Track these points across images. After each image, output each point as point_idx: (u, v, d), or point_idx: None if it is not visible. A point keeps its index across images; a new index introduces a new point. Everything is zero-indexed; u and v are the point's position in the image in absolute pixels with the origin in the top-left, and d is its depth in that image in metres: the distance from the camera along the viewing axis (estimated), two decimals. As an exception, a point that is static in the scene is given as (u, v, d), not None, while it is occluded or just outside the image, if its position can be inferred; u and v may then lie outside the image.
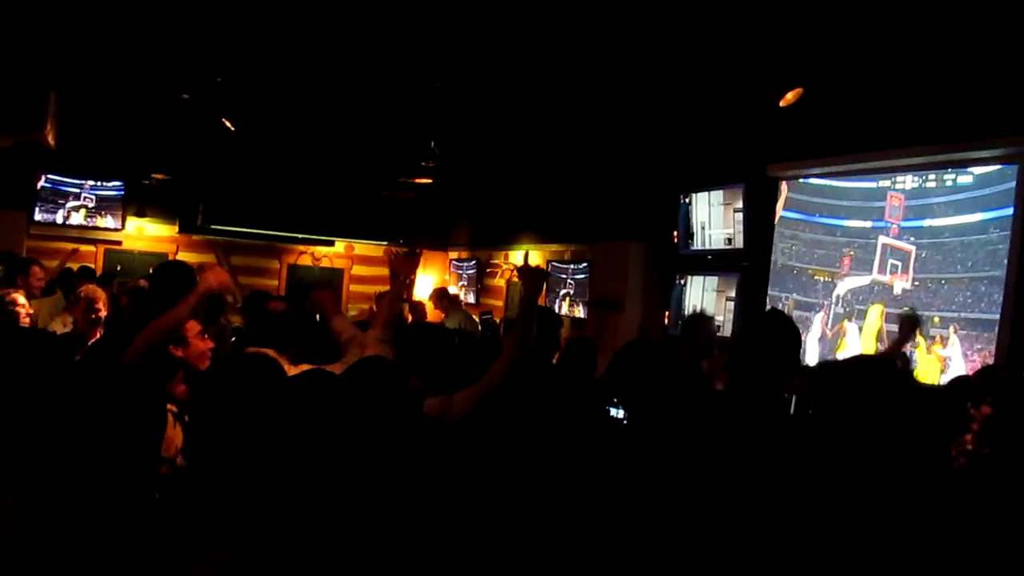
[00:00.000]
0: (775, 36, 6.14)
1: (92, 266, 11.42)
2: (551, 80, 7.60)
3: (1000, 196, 5.93)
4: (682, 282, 8.72)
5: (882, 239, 6.93)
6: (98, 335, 5.24)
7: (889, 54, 6.12)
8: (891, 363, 2.53)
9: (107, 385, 3.14)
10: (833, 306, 7.35)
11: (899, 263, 6.78)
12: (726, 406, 2.85)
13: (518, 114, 8.79)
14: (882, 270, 6.90)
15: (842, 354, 7.00)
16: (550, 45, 6.71)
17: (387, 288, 4.97)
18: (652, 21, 6.06)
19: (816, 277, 7.56)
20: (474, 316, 10.87)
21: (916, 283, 6.58)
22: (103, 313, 5.66)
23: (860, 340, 7.00)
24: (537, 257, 11.51)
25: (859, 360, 2.92)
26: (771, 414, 2.75)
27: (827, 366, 2.62)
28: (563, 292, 10.59)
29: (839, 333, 7.27)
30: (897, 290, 6.73)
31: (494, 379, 3.59)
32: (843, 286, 7.28)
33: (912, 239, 6.64)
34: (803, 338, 7.29)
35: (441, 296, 10.68)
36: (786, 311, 7.65)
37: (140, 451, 2.60)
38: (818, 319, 7.45)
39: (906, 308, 5.94)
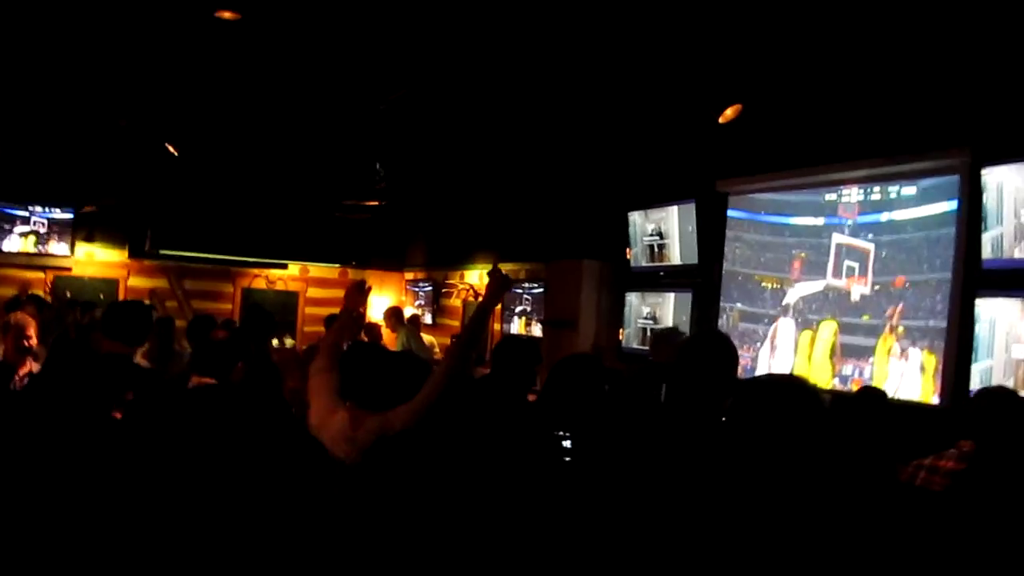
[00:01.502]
0: (721, 53, 6.14)
1: (41, 293, 11.24)
2: (502, 101, 7.57)
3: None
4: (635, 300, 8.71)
5: (836, 237, 6.63)
6: (28, 364, 5.08)
7: (833, 69, 6.14)
8: (802, 381, 2.48)
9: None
10: (783, 317, 7.11)
11: (856, 264, 6.46)
12: (658, 432, 2.78)
13: (470, 135, 8.76)
14: (837, 273, 6.60)
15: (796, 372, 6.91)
16: (500, 65, 6.68)
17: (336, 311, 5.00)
18: (599, 40, 6.05)
19: (764, 284, 7.33)
20: (426, 336, 10.85)
21: (876, 287, 6.32)
22: (33, 342, 5.52)
23: (812, 357, 6.83)
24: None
25: (767, 380, 2.88)
26: (697, 438, 2.69)
27: (743, 385, 2.56)
28: (519, 310, 10.56)
29: (792, 346, 7.04)
30: (855, 296, 6.46)
31: (431, 391, 3.51)
32: (794, 293, 6.99)
33: (871, 236, 6.37)
34: (752, 353, 7.31)
35: (391, 315, 10.71)
36: (731, 324, 7.64)
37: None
38: (769, 332, 7.26)
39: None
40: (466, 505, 2.38)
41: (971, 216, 5.68)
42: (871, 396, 4.86)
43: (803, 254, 6.96)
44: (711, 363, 2.86)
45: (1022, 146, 5.32)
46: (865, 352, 6.39)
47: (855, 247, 6.49)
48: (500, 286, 4.06)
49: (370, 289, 4.65)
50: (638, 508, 2.39)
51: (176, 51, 6.61)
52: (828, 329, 6.71)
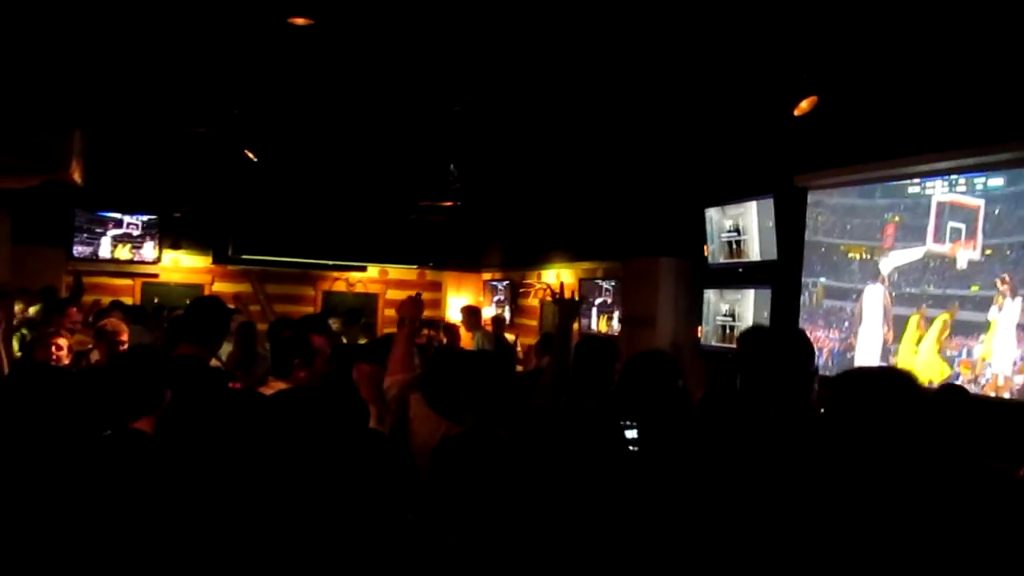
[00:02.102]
0: (798, 45, 6.03)
1: (128, 300, 11.57)
2: (576, 99, 7.54)
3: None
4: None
5: (938, 195, 6.05)
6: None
7: (914, 57, 5.98)
8: (904, 375, 2.40)
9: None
10: (871, 283, 6.60)
11: (962, 225, 5.78)
12: (725, 425, 2.73)
13: (545, 134, 8.74)
14: (939, 237, 5.97)
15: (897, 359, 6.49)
16: (575, 63, 6.65)
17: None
18: (675, 35, 5.98)
19: (851, 255, 6.80)
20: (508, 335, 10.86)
21: (988, 251, 5.68)
22: (125, 347, 5.68)
23: (919, 349, 6.28)
24: (569, 275, 11.46)
25: (865, 374, 2.80)
26: (764, 432, 2.64)
27: (843, 378, 2.49)
28: (599, 302, 10.53)
29: (881, 319, 6.47)
30: (962, 263, 5.78)
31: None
32: (887, 263, 6.38)
33: (980, 189, 5.76)
34: (840, 335, 7.10)
35: (468, 315, 10.83)
36: (814, 301, 7.34)
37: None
38: (860, 309, 6.79)
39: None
40: (531, 494, 2.38)
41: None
42: (953, 394, 4.70)
43: (897, 217, 6.37)
44: (779, 356, 2.80)
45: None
46: (974, 329, 5.79)
47: (960, 204, 5.85)
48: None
49: (421, 299, 4.74)
50: (703, 500, 2.36)
51: (253, 58, 6.72)
52: (939, 322, 6.13)
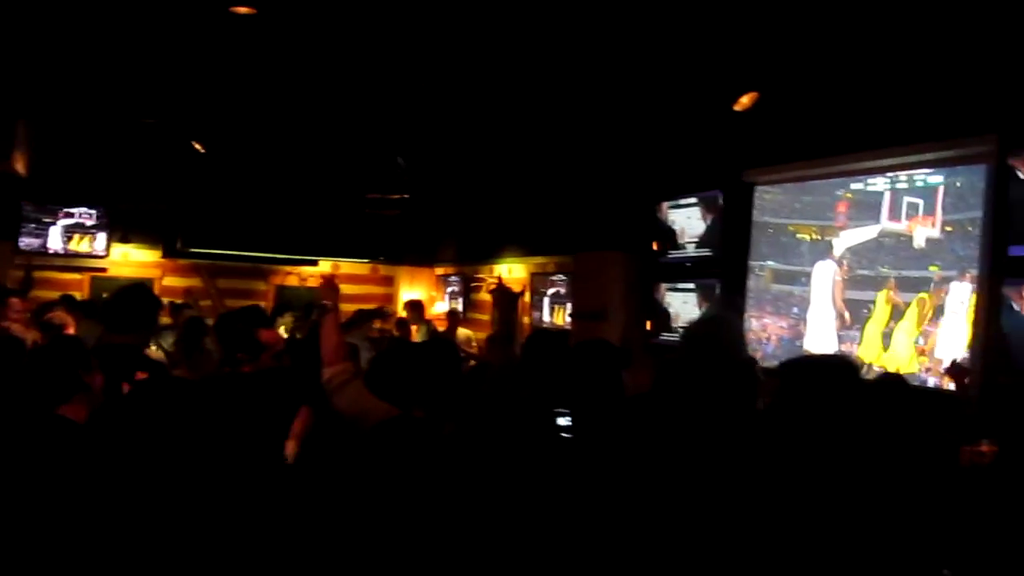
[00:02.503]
0: (746, 43, 6.09)
1: (77, 295, 11.40)
2: (528, 95, 7.55)
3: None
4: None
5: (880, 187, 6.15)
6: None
7: (860, 56, 6.06)
8: (850, 363, 2.44)
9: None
10: (828, 272, 6.60)
11: (920, 200, 5.81)
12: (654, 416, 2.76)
13: (498, 130, 8.75)
14: (894, 215, 6.00)
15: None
16: (524, 59, 6.66)
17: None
18: (624, 33, 6.01)
19: (801, 236, 6.84)
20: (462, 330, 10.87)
21: (948, 228, 5.70)
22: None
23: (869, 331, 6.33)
24: (521, 270, 11.50)
25: (815, 361, 2.84)
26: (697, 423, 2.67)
27: (786, 367, 2.52)
28: (551, 292, 10.58)
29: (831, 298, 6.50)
30: (919, 241, 5.83)
31: None
32: (840, 244, 6.40)
33: (919, 187, 5.90)
34: (788, 321, 7.18)
35: (411, 309, 10.88)
36: (762, 286, 7.38)
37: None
38: (810, 294, 6.85)
39: None
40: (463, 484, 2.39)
41: (998, 204, 5.60)
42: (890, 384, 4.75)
43: (849, 194, 6.40)
44: (711, 346, 2.84)
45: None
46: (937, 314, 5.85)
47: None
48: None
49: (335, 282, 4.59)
50: (633, 486, 2.38)
51: (198, 48, 6.66)
52: (881, 297, 6.19)
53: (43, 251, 12.04)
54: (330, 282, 4.12)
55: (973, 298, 5.66)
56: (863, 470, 2.27)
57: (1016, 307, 5.34)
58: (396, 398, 3.47)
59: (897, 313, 6.18)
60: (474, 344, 10.65)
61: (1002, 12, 5.04)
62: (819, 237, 6.81)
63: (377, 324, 10.25)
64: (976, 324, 5.71)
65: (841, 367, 2.49)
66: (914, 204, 5.92)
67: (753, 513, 2.28)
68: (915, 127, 6.16)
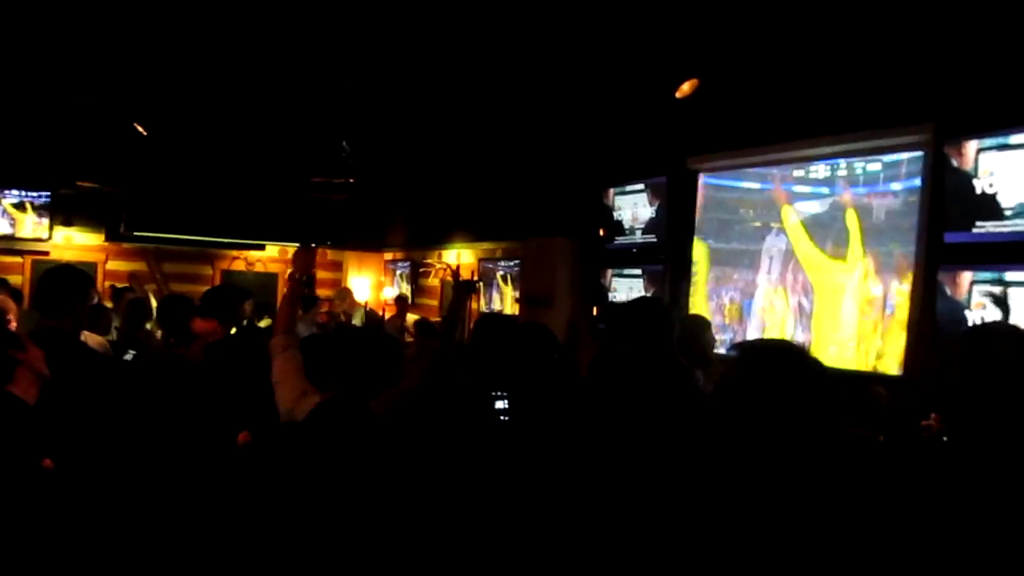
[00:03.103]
0: (689, 30, 6.15)
1: (18, 279, 11.25)
2: (476, 80, 7.57)
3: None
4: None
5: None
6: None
7: (801, 45, 6.16)
8: (800, 351, 2.48)
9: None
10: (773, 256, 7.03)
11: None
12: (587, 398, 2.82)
13: (447, 114, 8.75)
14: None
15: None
16: (472, 44, 6.68)
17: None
18: (570, 18, 6.05)
19: (746, 211, 7.30)
20: (411, 316, 10.87)
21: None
22: (13, 325, 5.52)
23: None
24: (469, 255, 11.53)
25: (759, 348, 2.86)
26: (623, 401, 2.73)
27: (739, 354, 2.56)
28: (501, 274, 10.64)
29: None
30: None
31: (411, 383, 3.50)
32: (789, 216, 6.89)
33: (859, 174, 6.38)
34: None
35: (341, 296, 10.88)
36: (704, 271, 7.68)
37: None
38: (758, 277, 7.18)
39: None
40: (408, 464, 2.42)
41: (934, 191, 5.75)
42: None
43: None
44: (636, 329, 2.89)
45: (983, 122, 5.39)
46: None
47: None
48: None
49: (316, 249, 4.48)
50: (569, 468, 2.43)
51: (144, 28, 6.58)
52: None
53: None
54: (305, 252, 4.09)
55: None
56: (812, 457, 2.29)
57: (949, 292, 5.49)
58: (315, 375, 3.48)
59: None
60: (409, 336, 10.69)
61: (939, 2, 5.16)
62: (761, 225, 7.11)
63: (325, 308, 10.24)
64: (912, 309, 5.89)
65: (794, 353, 2.50)
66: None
67: (681, 495, 2.32)
68: (854, 115, 6.30)
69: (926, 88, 5.82)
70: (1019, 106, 5.20)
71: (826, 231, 6.57)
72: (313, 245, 4.31)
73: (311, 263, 4.23)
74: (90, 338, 4.76)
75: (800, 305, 6.76)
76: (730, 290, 7.42)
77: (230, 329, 4.99)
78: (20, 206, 12.08)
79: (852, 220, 6.36)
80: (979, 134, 5.37)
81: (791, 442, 2.24)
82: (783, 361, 2.35)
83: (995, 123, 5.32)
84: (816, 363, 2.38)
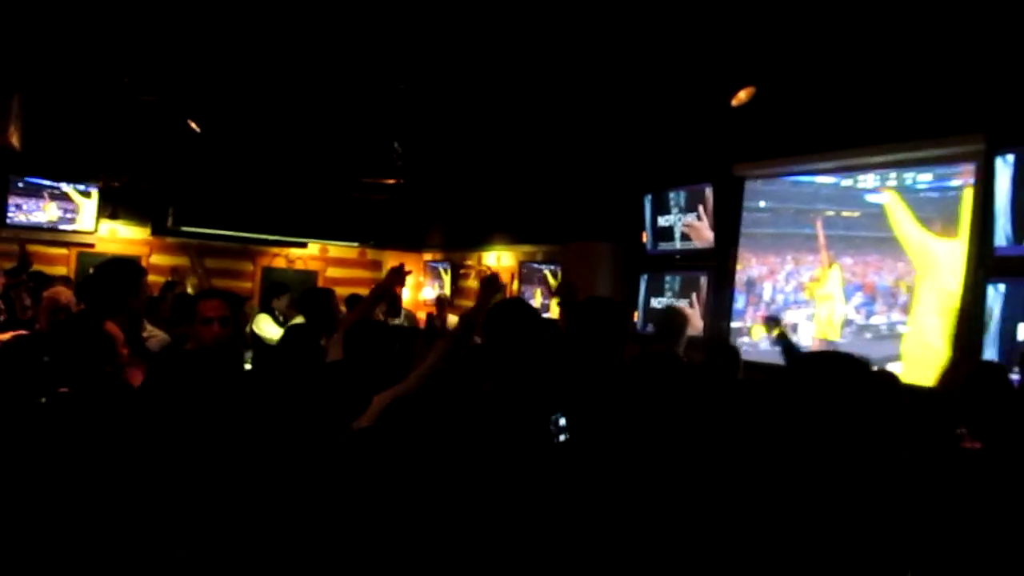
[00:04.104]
0: (739, 36, 6.16)
1: (63, 270, 11.42)
2: (522, 84, 7.60)
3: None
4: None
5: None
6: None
7: (851, 53, 6.15)
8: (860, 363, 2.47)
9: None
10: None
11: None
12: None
13: (490, 117, 8.80)
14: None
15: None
16: (520, 48, 6.72)
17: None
18: (619, 23, 6.08)
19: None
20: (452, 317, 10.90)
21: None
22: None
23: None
24: (509, 258, 11.56)
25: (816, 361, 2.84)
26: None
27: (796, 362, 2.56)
28: (536, 291, 10.65)
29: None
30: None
31: (409, 384, 3.57)
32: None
33: (908, 186, 6.47)
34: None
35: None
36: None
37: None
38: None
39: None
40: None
41: (985, 202, 5.73)
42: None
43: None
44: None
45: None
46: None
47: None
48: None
49: (409, 273, 4.74)
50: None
51: (198, 26, 6.68)
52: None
53: (32, 225, 12.02)
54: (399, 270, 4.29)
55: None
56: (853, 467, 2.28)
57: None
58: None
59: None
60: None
61: (992, 14, 5.14)
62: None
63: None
64: (959, 321, 5.86)
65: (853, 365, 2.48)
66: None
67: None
68: (904, 125, 6.27)
69: (977, 98, 5.80)
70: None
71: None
72: (408, 270, 4.76)
73: (401, 281, 4.67)
74: (155, 334, 4.78)
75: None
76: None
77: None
78: (85, 193, 12.26)
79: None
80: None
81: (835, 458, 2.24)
82: (842, 376, 2.33)
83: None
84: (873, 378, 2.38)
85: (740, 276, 7.72)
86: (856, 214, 6.75)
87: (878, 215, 6.55)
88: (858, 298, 6.65)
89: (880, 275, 6.50)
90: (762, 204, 7.62)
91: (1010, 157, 5.47)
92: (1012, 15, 5.10)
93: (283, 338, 4.87)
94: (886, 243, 6.46)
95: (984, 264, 5.72)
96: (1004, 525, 2.59)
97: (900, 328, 6.30)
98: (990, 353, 5.49)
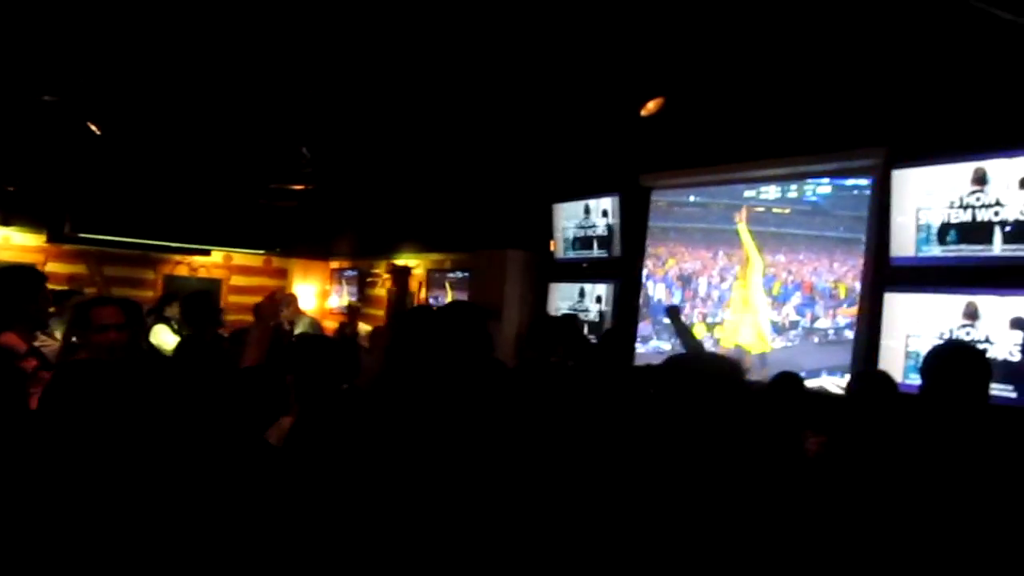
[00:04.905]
0: (646, 49, 6.24)
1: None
2: (429, 91, 7.58)
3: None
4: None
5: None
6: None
7: (756, 67, 6.29)
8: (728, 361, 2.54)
9: None
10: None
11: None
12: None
13: (399, 123, 8.75)
14: None
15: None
16: (427, 55, 6.69)
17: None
18: (526, 32, 6.10)
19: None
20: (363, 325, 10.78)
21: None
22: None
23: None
24: (419, 266, 11.51)
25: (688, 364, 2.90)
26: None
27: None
28: (444, 300, 10.61)
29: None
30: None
31: None
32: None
33: (808, 198, 6.66)
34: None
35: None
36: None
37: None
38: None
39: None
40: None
41: (881, 214, 5.93)
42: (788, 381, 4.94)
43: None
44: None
45: (933, 148, 5.57)
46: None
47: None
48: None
49: (278, 298, 4.66)
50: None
51: (98, 25, 6.50)
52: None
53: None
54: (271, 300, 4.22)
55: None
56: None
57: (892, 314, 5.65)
58: None
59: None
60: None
61: (892, 30, 5.31)
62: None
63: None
64: (859, 331, 6.06)
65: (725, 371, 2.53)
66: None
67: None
68: (807, 138, 6.45)
69: (878, 113, 5.99)
70: (968, 133, 5.39)
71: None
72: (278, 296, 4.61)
73: (274, 309, 4.40)
74: (47, 343, 4.62)
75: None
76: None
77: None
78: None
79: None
80: (929, 160, 5.55)
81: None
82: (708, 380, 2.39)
83: (943, 148, 5.50)
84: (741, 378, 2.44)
85: (673, 271, 7.70)
86: (787, 211, 6.75)
87: (810, 212, 6.58)
88: (797, 299, 6.67)
89: (819, 275, 6.52)
90: (692, 199, 7.58)
91: (908, 171, 5.66)
92: (911, 32, 5.27)
93: (178, 348, 4.76)
94: (819, 242, 6.50)
95: (881, 273, 5.91)
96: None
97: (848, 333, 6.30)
98: (885, 362, 5.68)
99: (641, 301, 7.79)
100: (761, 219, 6.95)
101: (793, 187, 6.67)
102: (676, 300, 7.45)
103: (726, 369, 2.44)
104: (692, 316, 7.39)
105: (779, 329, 6.63)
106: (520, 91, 7.32)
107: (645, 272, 7.85)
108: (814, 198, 6.55)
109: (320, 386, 3.20)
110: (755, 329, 6.80)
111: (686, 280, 7.56)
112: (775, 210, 6.86)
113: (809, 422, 4.43)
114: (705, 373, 2.42)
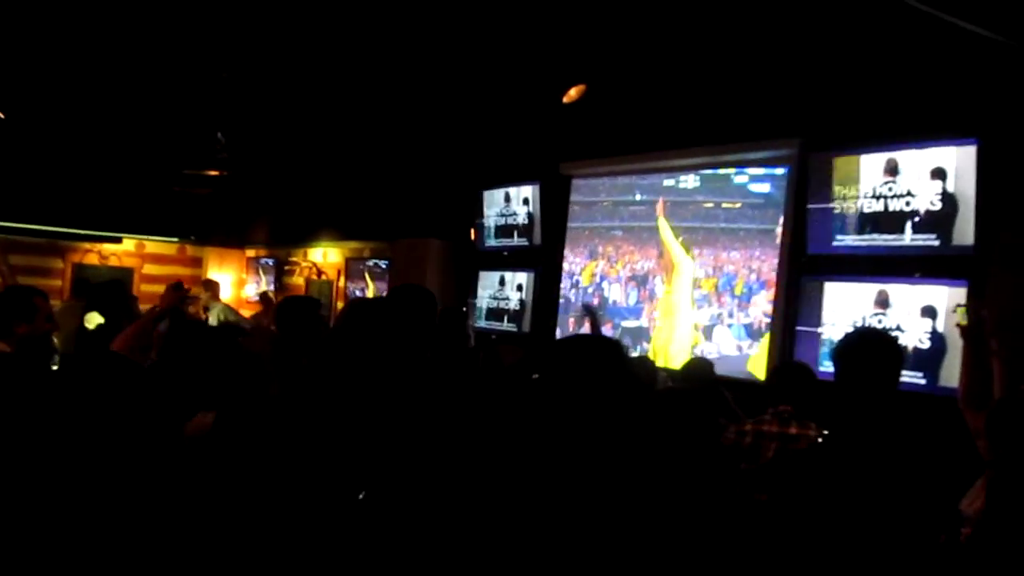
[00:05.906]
0: (568, 36, 6.25)
1: None
2: (350, 77, 7.49)
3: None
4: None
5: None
6: None
7: (676, 58, 6.35)
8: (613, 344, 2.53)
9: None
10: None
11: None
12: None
13: (317, 109, 8.64)
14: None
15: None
16: (347, 40, 6.61)
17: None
18: (447, 18, 6.06)
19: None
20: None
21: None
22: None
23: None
24: (336, 254, 11.39)
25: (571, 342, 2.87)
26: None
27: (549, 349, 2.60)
28: (362, 290, 10.51)
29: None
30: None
31: None
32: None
33: (730, 187, 6.64)
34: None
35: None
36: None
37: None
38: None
39: None
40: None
41: (797, 203, 6.03)
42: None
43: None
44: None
45: (847, 138, 5.69)
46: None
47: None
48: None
49: (188, 291, 4.59)
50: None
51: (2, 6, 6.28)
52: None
53: None
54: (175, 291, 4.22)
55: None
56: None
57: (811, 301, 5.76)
58: None
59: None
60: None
61: (809, 22, 5.40)
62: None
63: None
64: (775, 320, 6.15)
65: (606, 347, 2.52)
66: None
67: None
68: (725, 128, 6.53)
69: (795, 103, 6.09)
70: (882, 125, 5.52)
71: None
72: (185, 288, 4.47)
73: (175, 300, 4.36)
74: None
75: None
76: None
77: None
78: None
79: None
80: (843, 150, 5.67)
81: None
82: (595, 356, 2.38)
83: (857, 139, 5.62)
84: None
85: (624, 272, 7.62)
86: (737, 205, 6.64)
87: (762, 204, 6.48)
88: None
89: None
90: (638, 197, 7.47)
91: (826, 158, 5.77)
92: (828, 25, 5.36)
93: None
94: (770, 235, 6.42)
95: (799, 262, 6.01)
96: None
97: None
98: (802, 350, 5.80)
99: (597, 302, 7.61)
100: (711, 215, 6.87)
101: (710, 174, 6.74)
102: (632, 302, 7.43)
103: (611, 352, 2.42)
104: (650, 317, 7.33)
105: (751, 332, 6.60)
106: (441, 78, 7.28)
107: (598, 274, 7.76)
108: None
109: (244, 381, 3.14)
110: (684, 331, 6.87)
111: (641, 280, 7.37)
112: (725, 204, 6.72)
113: (814, 413, 4.45)
114: (588, 356, 2.38)
